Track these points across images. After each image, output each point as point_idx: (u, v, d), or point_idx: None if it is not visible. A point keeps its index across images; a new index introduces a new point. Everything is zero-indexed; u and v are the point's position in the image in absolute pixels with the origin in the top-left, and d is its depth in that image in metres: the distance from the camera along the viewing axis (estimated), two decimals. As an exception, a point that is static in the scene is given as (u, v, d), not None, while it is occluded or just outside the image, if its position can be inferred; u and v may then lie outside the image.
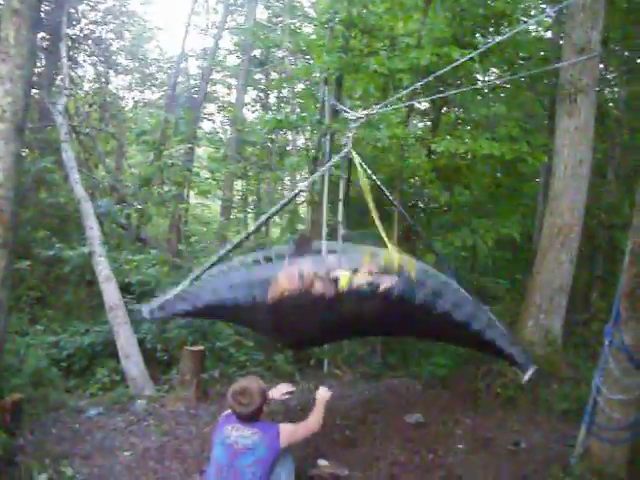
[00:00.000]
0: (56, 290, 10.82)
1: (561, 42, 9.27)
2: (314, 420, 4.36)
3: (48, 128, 13.46)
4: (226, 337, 9.33)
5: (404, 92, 6.96)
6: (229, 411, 4.09)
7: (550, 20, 11.08)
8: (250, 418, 3.98)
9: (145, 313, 5.08)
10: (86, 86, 18.60)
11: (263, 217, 6.26)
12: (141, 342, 8.67)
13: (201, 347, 8.00)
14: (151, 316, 5.09)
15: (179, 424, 6.87)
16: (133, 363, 8.14)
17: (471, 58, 6.71)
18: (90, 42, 17.37)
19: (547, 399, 8.12)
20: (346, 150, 5.69)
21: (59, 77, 14.23)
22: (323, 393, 4.57)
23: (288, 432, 4.10)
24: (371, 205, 5.19)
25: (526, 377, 5.05)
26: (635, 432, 5.49)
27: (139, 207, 11.92)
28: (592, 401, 5.65)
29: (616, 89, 12.27)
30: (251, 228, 7.12)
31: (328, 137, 9.42)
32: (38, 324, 9.44)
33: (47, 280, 10.82)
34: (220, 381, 8.47)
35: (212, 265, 5.20)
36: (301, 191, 6.69)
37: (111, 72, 19.67)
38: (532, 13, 13.00)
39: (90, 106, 17.26)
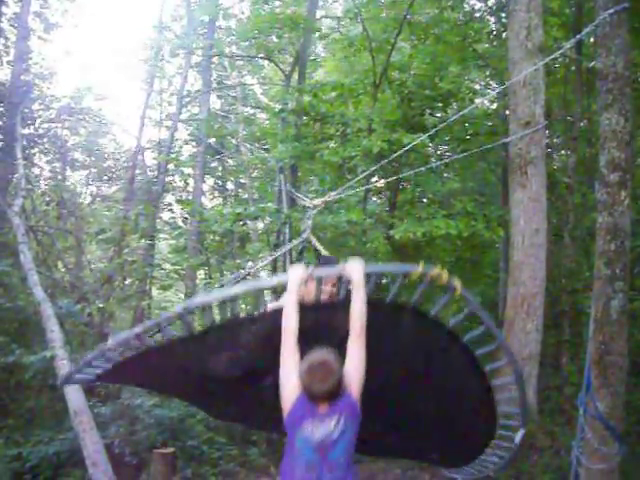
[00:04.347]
0: (17, 397, 10.40)
1: (507, 113, 9.60)
2: (357, 319, 3.57)
3: (4, 230, 13.28)
4: (198, 434, 9.05)
5: (359, 177, 7.08)
6: (297, 395, 3.40)
7: (495, 95, 11.50)
8: (330, 396, 3.33)
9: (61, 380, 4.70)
10: (42, 184, 18.53)
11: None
12: (108, 447, 8.33)
13: (171, 449, 7.74)
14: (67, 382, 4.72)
15: (152, 533, 6.57)
16: (101, 471, 7.79)
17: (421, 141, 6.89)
18: (45, 140, 17.45)
19: (529, 471, 8.00)
20: (304, 235, 5.71)
21: (15, 177, 14.18)
22: (354, 267, 3.74)
23: (356, 383, 3.45)
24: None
25: (517, 439, 4.79)
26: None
27: (100, 305, 11.72)
28: (574, 472, 5.57)
29: (563, 152, 12.67)
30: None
31: (287, 225, 9.49)
32: (-1, 436, 9.05)
33: (7, 387, 10.41)
34: (193, 482, 8.18)
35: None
36: (249, 274, 6.58)
37: (67, 168, 19.70)
38: (477, 87, 13.58)
39: (47, 204, 17.14)
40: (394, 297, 3.90)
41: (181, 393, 5.71)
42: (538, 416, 8.62)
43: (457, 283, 3.80)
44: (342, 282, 3.96)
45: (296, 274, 3.78)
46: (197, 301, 4.05)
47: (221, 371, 4.32)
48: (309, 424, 3.35)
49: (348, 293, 3.87)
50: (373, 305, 3.73)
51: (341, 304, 3.86)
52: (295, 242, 6.20)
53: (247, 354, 4.15)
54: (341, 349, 3.58)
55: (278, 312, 3.71)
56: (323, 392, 3.32)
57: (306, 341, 3.59)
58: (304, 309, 3.69)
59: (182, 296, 18.51)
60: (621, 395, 5.35)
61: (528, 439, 7.97)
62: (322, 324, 3.90)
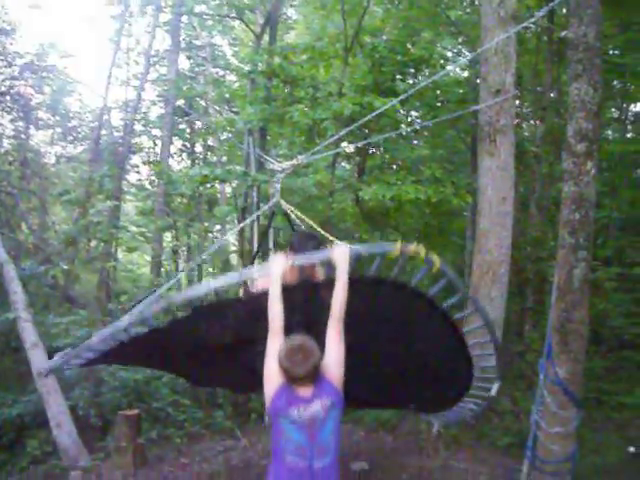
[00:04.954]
0: (-21, 360, 10.31)
1: (478, 81, 9.58)
2: (339, 307, 3.63)
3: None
4: (163, 397, 9.07)
5: (328, 141, 7.02)
6: (279, 383, 3.49)
7: (467, 62, 11.46)
8: (311, 377, 3.42)
9: (45, 370, 4.78)
10: (5, 143, 18.09)
11: (179, 273, 5.87)
12: (73, 409, 8.32)
13: (136, 411, 7.74)
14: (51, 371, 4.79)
15: (117, 495, 6.60)
16: (65, 432, 7.79)
17: (392, 105, 6.85)
18: (8, 98, 16.99)
19: (489, 434, 8.18)
20: (274, 200, 5.69)
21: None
22: (340, 254, 3.75)
23: (336, 373, 3.56)
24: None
25: (494, 391, 4.93)
26: (575, 463, 5.59)
27: (65, 267, 11.57)
28: (532, 436, 5.71)
29: (532, 122, 12.73)
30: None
31: (255, 188, 9.42)
32: (-39, 399, 8.96)
33: (-30, 349, 10.31)
34: (158, 444, 8.19)
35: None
36: (221, 242, 6.55)
37: (31, 128, 19.25)
38: (449, 55, 13.51)
39: (10, 164, 16.76)
40: (375, 273, 3.96)
41: (165, 367, 5.83)
42: (500, 381, 8.78)
43: (435, 258, 3.86)
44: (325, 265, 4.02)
45: (278, 265, 3.78)
46: (180, 297, 4.04)
47: (211, 341, 4.43)
48: (295, 409, 3.43)
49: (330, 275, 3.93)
50: (355, 281, 3.78)
51: (324, 283, 3.96)
52: (265, 207, 6.15)
53: (237, 327, 4.28)
54: (324, 318, 3.67)
55: (264, 295, 3.73)
56: (304, 373, 3.40)
57: (292, 313, 3.69)
58: (288, 289, 3.73)
59: (148, 259, 18.41)
60: (581, 362, 5.47)
61: (490, 404, 8.17)
62: (306, 299, 3.99)
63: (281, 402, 3.45)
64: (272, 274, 3.74)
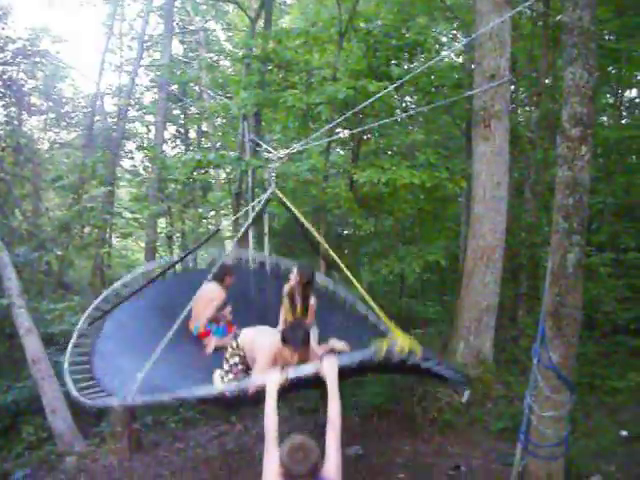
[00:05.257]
0: (-27, 346, 10.29)
1: (473, 66, 9.54)
2: (335, 415, 3.81)
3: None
4: (158, 382, 9.06)
5: (324, 128, 7.00)
6: None
7: (462, 47, 11.40)
8: (310, 476, 3.45)
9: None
10: (-2, 129, 17.98)
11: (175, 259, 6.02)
12: (68, 395, 8.30)
13: (131, 396, 7.74)
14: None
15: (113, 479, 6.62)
16: (60, 418, 7.81)
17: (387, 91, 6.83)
18: (0, 84, 16.86)
19: (483, 419, 8.21)
20: (270, 191, 5.70)
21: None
22: (329, 367, 3.99)
23: (335, 475, 3.61)
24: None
25: (465, 398, 5.10)
26: (568, 447, 5.63)
27: (59, 253, 11.53)
28: (525, 420, 5.73)
29: (527, 108, 12.71)
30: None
31: (249, 173, 9.38)
32: (-45, 385, 8.96)
33: (-37, 336, 10.28)
34: (154, 429, 8.20)
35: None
36: (219, 230, 6.58)
37: (24, 113, 19.13)
38: (444, 40, 13.46)
39: (3, 150, 16.65)
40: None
41: None
42: (494, 367, 8.83)
43: (417, 349, 4.19)
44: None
45: (273, 380, 3.98)
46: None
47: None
48: None
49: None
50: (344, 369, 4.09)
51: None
52: (262, 198, 6.15)
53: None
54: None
55: (261, 393, 4.01)
56: (304, 471, 3.42)
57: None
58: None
59: (143, 245, 18.36)
60: (574, 346, 5.48)
61: (483, 389, 8.22)
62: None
63: None
64: (268, 390, 3.93)
